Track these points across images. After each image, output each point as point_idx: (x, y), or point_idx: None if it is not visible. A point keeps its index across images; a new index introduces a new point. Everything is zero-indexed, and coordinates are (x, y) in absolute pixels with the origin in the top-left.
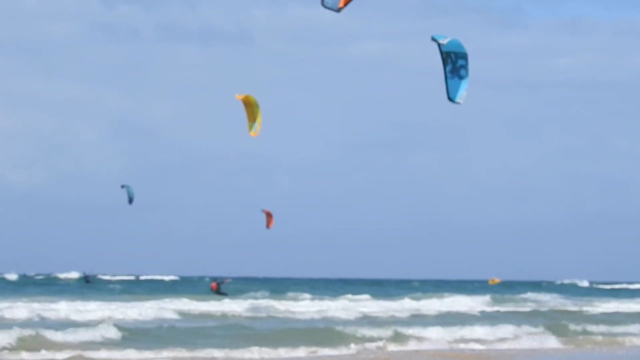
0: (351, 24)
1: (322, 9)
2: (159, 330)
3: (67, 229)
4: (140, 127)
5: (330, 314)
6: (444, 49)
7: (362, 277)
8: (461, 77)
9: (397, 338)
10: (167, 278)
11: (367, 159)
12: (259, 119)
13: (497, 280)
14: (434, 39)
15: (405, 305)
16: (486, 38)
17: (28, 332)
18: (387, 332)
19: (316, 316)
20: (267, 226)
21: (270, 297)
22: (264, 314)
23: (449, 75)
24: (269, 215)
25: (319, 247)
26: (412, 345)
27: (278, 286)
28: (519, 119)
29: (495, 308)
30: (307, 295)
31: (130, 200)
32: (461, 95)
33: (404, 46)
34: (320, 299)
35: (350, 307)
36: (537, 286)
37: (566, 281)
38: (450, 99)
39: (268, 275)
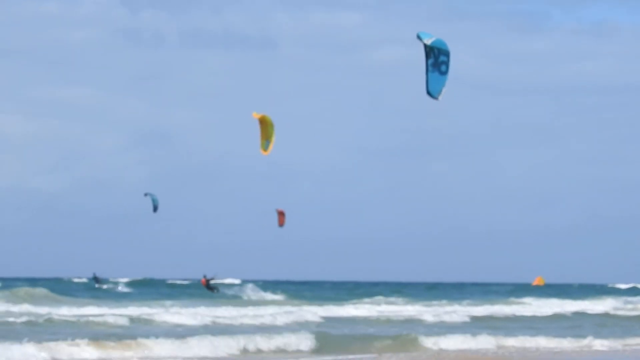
0: (374, 29)
1: (345, 14)
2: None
3: (86, 234)
4: (161, 134)
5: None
6: (428, 44)
7: (383, 280)
8: (442, 73)
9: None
10: (180, 282)
11: (388, 165)
12: (273, 139)
13: (543, 281)
14: (418, 37)
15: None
16: (509, 43)
17: (246, 340)
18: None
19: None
20: (279, 224)
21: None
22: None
23: (430, 68)
24: (281, 214)
25: (338, 252)
26: None
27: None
28: (542, 123)
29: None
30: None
31: (155, 209)
32: (441, 91)
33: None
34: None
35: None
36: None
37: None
38: (429, 94)
39: (287, 279)
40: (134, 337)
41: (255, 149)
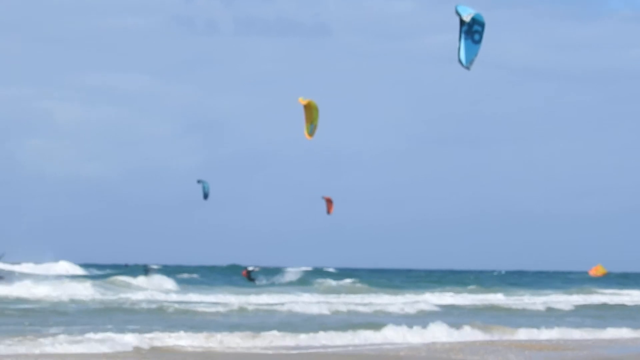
0: (426, 17)
1: (398, 1)
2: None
3: (138, 222)
4: (213, 122)
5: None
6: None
7: (437, 268)
8: (475, 41)
9: None
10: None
11: (438, 151)
12: (317, 122)
13: (603, 270)
14: (457, 12)
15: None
16: (557, 29)
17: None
18: None
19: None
20: (328, 212)
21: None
22: None
23: (463, 35)
24: (329, 202)
25: (387, 238)
26: None
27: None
28: (594, 109)
29: None
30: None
31: (206, 196)
32: (472, 60)
33: (488, 40)
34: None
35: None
36: None
37: None
38: (460, 62)
39: (336, 266)
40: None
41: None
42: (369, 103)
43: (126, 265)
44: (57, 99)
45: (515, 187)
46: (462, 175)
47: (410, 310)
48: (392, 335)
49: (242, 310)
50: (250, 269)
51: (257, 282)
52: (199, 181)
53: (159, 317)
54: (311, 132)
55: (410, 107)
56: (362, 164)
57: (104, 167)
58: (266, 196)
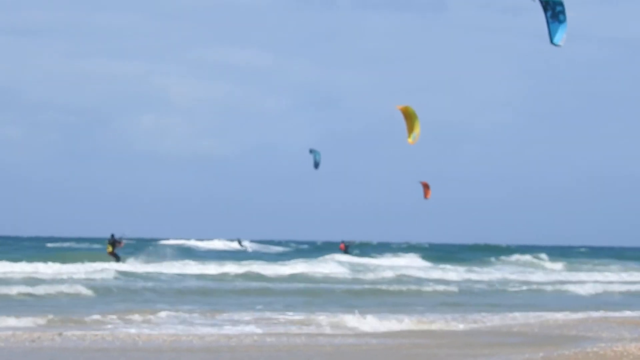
0: None
1: None
2: None
3: (253, 195)
4: (330, 97)
5: None
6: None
7: (538, 244)
8: (560, 22)
9: None
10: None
11: (557, 126)
12: (417, 130)
13: None
14: None
15: None
16: None
17: None
18: None
19: None
20: (425, 197)
21: None
22: None
23: (550, 20)
24: (426, 187)
25: (507, 213)
26: None
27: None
28: None
29: None
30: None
31: (316, 165)
32: (561, 38)
33: (596, 14)
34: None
35: None
36: None
37: None
38: (552, 42)
39: (453, 242)
40: None
41: (421, 109)
42: (486, 77)
43: (239, 241)
44: (172, 75)
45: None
46: (579, 151)
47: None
48: None
49: None
50: (348, 243)
51: (353, 255)
52: (311, 151)
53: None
54: (414, 139)
55: (528, 81)
56: (478, 138)
57: (220, 143)
58: (381, 170)
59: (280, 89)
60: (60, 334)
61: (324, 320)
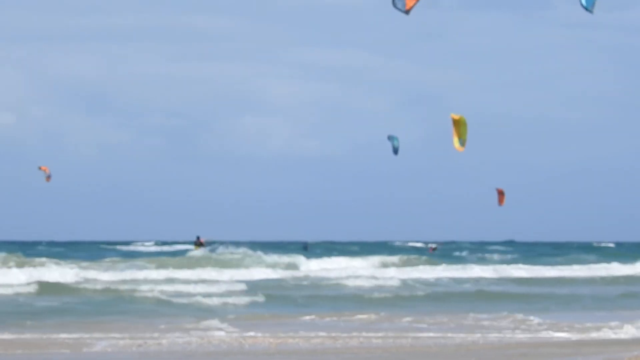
0: None
1: None
2: None
3: (356, 197)
4: (433, 96)
5: None
6: None
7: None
8: None
9: None
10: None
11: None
12: (465, 137)
13: None
14: None
15: None
16: None
17: None
18: None
19: None
20: (499, 203)
21: None
22: None
23: None
24: (501, 194)
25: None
26: None
27: None
28: None
29: None
30: None
31: (395, 151)
32: (594, 3)
33: None
34: None
35: None
36: None
37: None
38: (585, 8)
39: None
40: None
41: (517, 106)
42: (582, 74)
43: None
44: (272, 76)
45: None
46: None
47: None
48: None
49: None
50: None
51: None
52: (389, 137)
53: None
54: (462, 144)
55: (616, 76)
56: (562, 132)
57: (321, 143)
58: (481, 170)
59: (380, 88)
60: (159, 343)
61: None
